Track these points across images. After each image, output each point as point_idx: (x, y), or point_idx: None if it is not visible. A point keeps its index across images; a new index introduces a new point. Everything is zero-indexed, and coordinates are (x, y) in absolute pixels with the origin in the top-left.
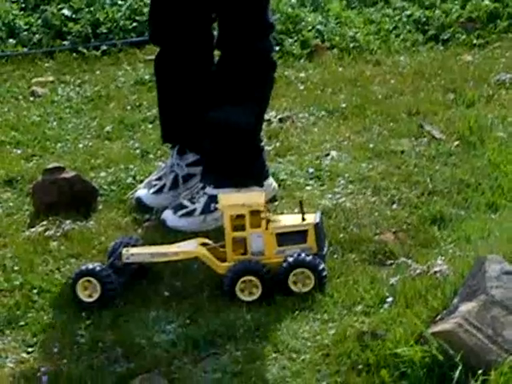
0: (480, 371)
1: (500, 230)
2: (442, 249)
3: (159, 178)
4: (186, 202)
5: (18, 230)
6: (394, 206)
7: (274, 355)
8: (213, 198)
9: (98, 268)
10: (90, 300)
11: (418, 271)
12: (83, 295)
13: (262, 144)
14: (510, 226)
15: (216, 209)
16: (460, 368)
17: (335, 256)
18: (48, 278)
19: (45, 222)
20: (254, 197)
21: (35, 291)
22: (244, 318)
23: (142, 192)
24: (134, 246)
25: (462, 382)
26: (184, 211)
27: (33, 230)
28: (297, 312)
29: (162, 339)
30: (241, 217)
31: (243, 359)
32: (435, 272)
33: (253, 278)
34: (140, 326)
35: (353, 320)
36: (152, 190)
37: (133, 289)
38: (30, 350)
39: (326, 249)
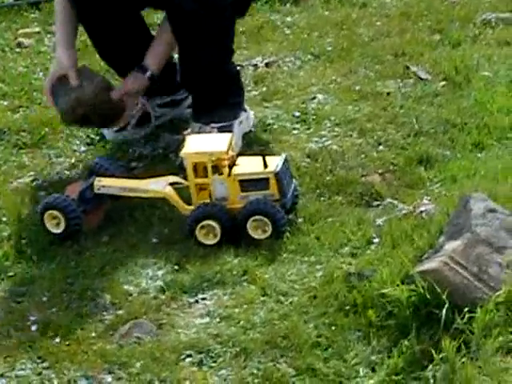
0: (466, 309)
1: (485, 169)
2: (428, 189)
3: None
4: None
5: (6, 182)
6: (381, 148)
7: (261, 298)
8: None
9: (61, 201)
10: (58, 231)
11: (404, 211)
12: (51, 226)
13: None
14: (495, 165)
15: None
16: (446, 306)
17: (322, 198)
18: (36, 228)
19: (32, 173)
20: (218, 143)
21: (23, 242)
22: (231, 262)
23: (105, 129)
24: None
25: (449, 320)
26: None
27: (20, 180)
28: (284, 255)
29: (150, 286)
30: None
31: (231, 303)
32: (421, 212)
33: (212, 223)
34: (128, 273)
35: (340, 261)
36: (115, 128)
37: (120, 236)
38: (19, 299)
39: (289, 194)
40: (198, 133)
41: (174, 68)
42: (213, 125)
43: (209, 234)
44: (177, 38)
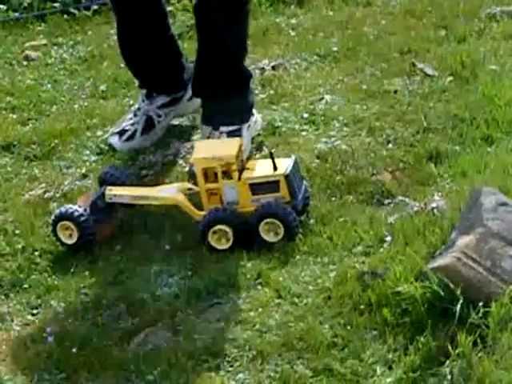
0: (481, 304)
1: (495, 163)
2: (438, 185)
3: (131, 124)
4: None
5: (18, 194)
6: (390, 146)
7: (276, 301)
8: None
9: (73, 211)
10: (71, 242)
11: (415, 209)
12: (64, 237)
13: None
14: (505, 159)
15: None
16: (461, 302)
17: (333, 199)
18: (49, 239)
19: (43, 185)
20: (227, 148)
21: (37, 253)
22: (245, 266)
23: (113, 139)
24: (121, 182)
25: (464, 316)
26: None
27: (32, 193)
28: (297, 257)
29: (164, 292)
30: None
31: (246, 307)
32: (432, 208)
33: (224, 227)
34: (142, 281)
35: (353, 261)
36: (124, 137)
37: (133, 245)
38: (34, 311)
39: (300, 195)
40: (208, 137)
41: (181, 67)
42: (222, 129)
43: (221, 238)
44: (199, 31)
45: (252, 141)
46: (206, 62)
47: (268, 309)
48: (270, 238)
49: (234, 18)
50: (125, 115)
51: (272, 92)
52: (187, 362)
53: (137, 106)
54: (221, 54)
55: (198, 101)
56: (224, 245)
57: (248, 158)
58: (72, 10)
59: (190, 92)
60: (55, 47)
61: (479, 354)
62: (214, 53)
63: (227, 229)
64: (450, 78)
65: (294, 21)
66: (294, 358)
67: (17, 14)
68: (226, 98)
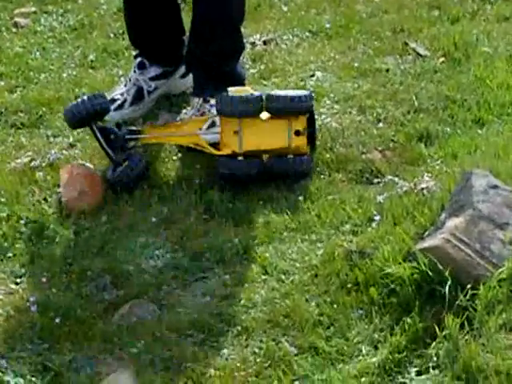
0: (469, 286)
1: (486, 145)
2: (428, 166)
3: (121, 94)
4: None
5: (4, 162)
6: (380, 125)
7: (262, 277)
8: None
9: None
10: None
11: (404, 189)
12: None
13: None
14: (495, 141)
15: None
16: (449, 283)
17: (322, 176)
18: (34, 208)
19: (30, 153)
20: None
21: (22, 222)
22: (232, 241)
23: None
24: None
25: (452, 298)
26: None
27: (18, 161)
28: (284, 233)
29: (150, 265)
30: None
31: (232, 282)
32: (422, 189)
33: None
34: (128, 253)
35: (341, 239)
36: (113, 107)
37: (119, 216)
38: (18, 280)
39: None
40: (198, 110)
41: (180, 42)
42: (212, 101)
43: None
44: None
45: None
46: (202, 27)
47: (254, 285)
48: None
49: None
50: (115, 86)
51: (263, 67)
52: (171, 335)
53: (128, 77)
54: (219, 18)
55: (189, 80)
56: None
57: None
58: None
59: (183, 69)
60: (45, 15)
61: (466, 337)
62: (212, 16)
63: None
64: (443, 59)
65: None
66: (279, 334)
67: None
68: (219, 67)
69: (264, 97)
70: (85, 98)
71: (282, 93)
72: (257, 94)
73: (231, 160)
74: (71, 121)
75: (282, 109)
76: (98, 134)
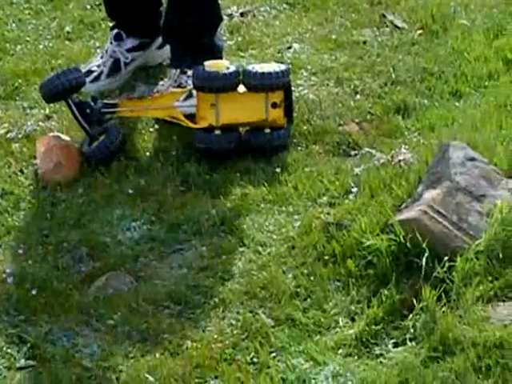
0: (446, 258)
1: (464, 118)
2: (405, 138)
3: (97, 66)
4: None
5: None
6: (358, 97)
7: (239, 249)
8: None
9: None
10: None
11: (382, 161)
12: None
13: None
14: (473, 113)
15: None
16: (426, 255)
17: (299, 148)
18: (11, 179)
19: (6, 125)
20: None
21: None
22: (209, 212)
23: None
24: None
25: (429, 269)
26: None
27: None
28: (262, 205)
29: (126, 237)
30: None
31: (209, 254)
32: (399, 161)
33: None
34: (104, 225)
35: (318, 211)
36: (90, 78)
37: (96, 188)
38: None
39: None
40: (175, 81)
41: (158, 13)
42: (190, 72)
43: None
44: None
45: None
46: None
47: (231, 256)
48: None
49: None
50: (92, 57)
51: (240, 39)
52: (148, 307)
53: (104, 48)
54: None
55: (166, 51)
56: None
57: None
58: None
59: (159, 41)
60: None
61: (443, 309)
62: None
63: None
64: (420, 31)
65: None
66: (256, 306)
67: None
68: (196, 38)
69: (241, 71)
70: (60, 72)
71: (259, 69)
72: (233, 69)
73: (208, 134)
74: (47, 95)
75: (259, 85)
76: (74, 109)
